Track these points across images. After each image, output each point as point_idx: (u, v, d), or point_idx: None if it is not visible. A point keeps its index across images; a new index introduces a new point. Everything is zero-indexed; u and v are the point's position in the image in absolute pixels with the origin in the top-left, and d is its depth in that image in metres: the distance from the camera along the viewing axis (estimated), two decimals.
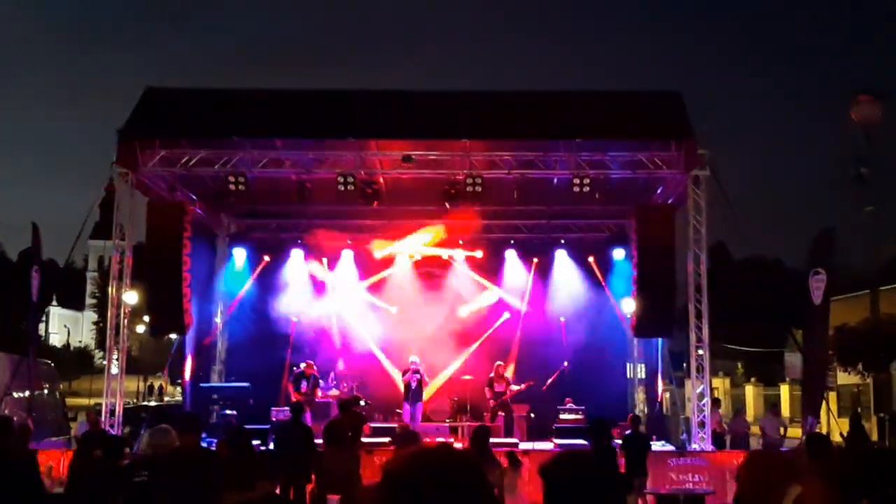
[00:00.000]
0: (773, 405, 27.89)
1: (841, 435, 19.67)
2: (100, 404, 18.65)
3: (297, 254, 22.63)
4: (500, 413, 19.67)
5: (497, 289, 22.73)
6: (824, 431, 29.07)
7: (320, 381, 19.95)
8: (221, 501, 6.52)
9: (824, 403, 27.19)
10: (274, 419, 18.79)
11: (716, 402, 24.28)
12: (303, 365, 19.67)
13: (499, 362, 20.34)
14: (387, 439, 16.48)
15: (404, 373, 20.10)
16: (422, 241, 22.52)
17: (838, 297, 32.45)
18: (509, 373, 20.96)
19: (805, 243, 19.17)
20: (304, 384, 19.19)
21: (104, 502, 7.35)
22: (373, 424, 18.98)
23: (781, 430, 21.13)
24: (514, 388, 20.03)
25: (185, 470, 7.32)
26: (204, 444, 10.16)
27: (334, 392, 20.07)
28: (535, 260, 22.50)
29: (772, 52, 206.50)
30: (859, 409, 33.41)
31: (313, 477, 12.99)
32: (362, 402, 19.52)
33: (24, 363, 18.30)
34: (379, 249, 22.58)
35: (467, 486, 1.74)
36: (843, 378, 30.02)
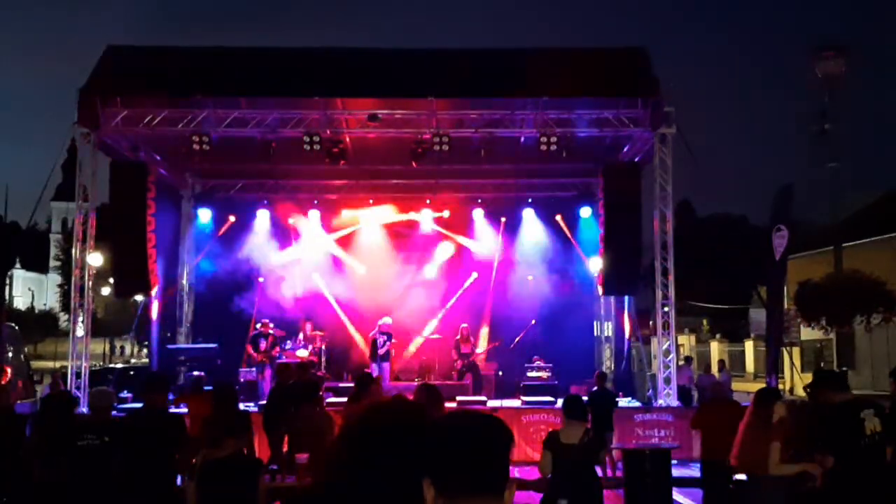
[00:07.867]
0: (706, 365, 28.93)
1: (804, 389, 19.96)
2: (65, 367, 18.50)
3: (262, 214, 22.47)
4: (467, 373, 19.80)
5: (465, 248, 22.72)
6: (787, 386, 29.60)
7: (280, 340, 19.88)
8: (183, 461, 6.48)
9: (787, 358, 27.68)
10: (242, 380, 18.84)
11: (688, 360, 24.62)
12: (258, 325, 19.66)
13: (463, 325, 20.40)
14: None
15: (374, 333, 20.06)
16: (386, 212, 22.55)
17: (802, 253, 32.94)
18: (483, 333, 21.13)
19: (769, 200, 19.36)
20: (262, 343, 19.20)
21: (55, 464, 7.30)
22: (341, 385, 18.99)
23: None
24: (479, 351, 20.15)
25: (144, 432, 7.27)
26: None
27: (303, 353, 20.00)
28: (503, 219, 22.47)
29: (733, 8, 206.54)
30: (822, 364, 33.99)
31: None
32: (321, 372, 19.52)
33: None
34: (346, 212, 22.54)
35: (418, 436, 1.73)
36: (807, 333, 30.46)
